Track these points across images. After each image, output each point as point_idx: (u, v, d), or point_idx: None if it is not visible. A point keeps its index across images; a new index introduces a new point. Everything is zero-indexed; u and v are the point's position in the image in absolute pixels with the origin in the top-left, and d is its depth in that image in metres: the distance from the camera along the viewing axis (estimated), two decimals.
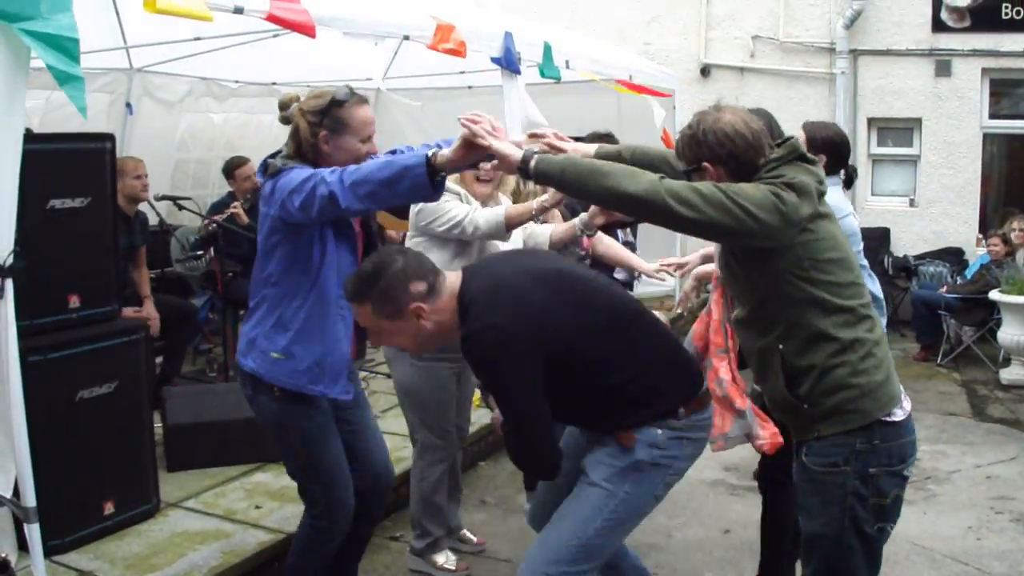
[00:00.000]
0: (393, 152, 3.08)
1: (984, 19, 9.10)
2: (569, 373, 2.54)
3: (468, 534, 4.27)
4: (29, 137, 2.95)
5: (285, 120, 3.07)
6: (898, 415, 2.50)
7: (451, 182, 3.58)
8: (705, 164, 2.52)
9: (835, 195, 3.38)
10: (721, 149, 2.49)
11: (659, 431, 2.60)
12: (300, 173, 2.80)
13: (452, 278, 2.62)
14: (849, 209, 3.67)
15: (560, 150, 2.84)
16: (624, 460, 2.59)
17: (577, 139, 4.83)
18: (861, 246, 3.59)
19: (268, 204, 2.93)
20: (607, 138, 4.92)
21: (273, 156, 3.01)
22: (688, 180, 2.50)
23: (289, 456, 3.15)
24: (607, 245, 4.41)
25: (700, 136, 2.52)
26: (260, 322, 3.04)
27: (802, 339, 2.48)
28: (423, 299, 2.53)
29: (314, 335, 2.99)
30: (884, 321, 3.20)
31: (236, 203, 6.27)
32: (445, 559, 4.01)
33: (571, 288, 2.64)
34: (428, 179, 2.61)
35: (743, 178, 2.47)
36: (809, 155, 2.58)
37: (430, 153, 2.60)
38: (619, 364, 2.59)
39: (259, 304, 3.06)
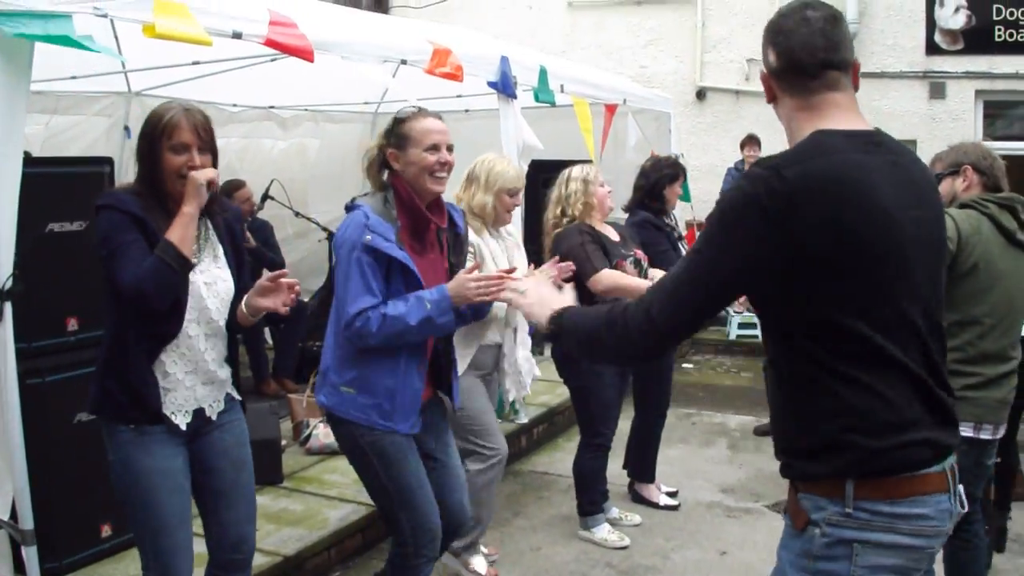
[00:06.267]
0: None
1: (977, 42, 9.19)
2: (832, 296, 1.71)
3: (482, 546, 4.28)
4: (28, 161, 2.98)
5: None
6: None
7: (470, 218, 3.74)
8: (966, 167, 3.25)
9: None
10: (984, 162, 3.25)
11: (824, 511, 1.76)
12: (352, 269, 2.91)
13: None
14: None
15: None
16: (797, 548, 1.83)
17: (566, 163, 4.80)
18: None
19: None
20: (677, 164, 5.02)
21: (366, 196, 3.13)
22: (940, 180, 3.16)
23: (372, 481, 3.09)
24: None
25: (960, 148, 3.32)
26: (330, 352, 3.04)
27: None
28: None
29: (383, 367, 2.96)
30: None
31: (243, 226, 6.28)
32: (479, 563, 4.06)
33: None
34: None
35: (989, 189, 3.22)
36: None
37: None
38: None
39: (330, 334, 3.06)
